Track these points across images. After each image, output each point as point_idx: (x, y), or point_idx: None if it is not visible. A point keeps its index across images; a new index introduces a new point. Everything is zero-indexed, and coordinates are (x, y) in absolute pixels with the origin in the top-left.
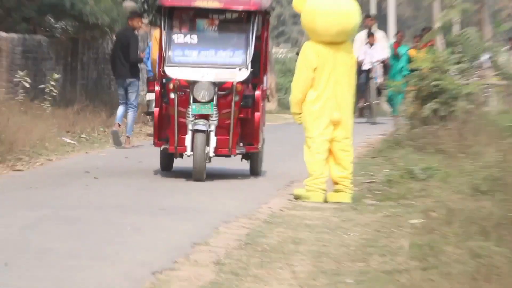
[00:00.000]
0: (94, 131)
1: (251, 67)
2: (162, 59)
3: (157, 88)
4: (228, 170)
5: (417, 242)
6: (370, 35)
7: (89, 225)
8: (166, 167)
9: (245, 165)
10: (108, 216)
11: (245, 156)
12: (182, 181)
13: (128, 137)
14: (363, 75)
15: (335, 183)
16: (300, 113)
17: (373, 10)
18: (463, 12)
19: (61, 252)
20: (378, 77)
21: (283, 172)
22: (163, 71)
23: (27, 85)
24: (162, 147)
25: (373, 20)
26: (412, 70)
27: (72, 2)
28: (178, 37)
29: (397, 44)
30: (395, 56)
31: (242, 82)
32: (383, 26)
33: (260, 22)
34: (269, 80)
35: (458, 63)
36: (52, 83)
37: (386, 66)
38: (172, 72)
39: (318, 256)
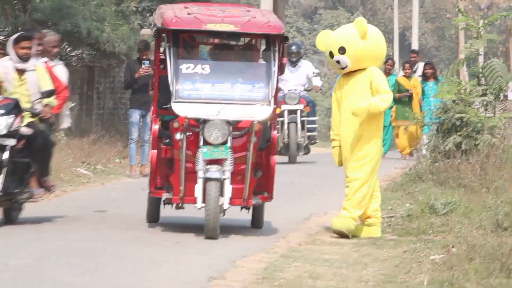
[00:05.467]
0: (110, 162)
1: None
2: (157, 90)
3: (155, 127)
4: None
5: (437, 278)
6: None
7: (105, 258)
8: (154, 218)
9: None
10: (124, 249)
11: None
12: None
13: (143, 165)
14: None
15: (368, 217)
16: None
17: (396, 40)
18: (489, 43)
19: (77, 286)
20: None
21: (304, 206)
22: (170, 108)
23: None
24: (164, 197)
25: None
26: (397, 101)
27: (89, 30)
28: (187, 67)
29: (386, 73)
30: None
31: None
32: (406, 56)
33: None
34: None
35: (483, 95)
36: (67, 112)
37: None
38: (180, 108)
39: None
